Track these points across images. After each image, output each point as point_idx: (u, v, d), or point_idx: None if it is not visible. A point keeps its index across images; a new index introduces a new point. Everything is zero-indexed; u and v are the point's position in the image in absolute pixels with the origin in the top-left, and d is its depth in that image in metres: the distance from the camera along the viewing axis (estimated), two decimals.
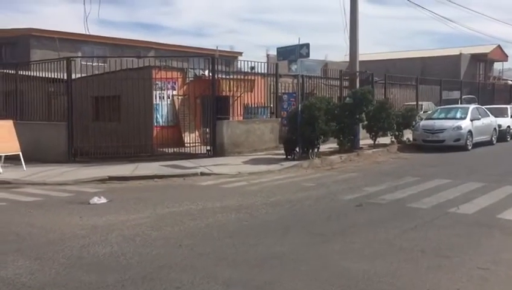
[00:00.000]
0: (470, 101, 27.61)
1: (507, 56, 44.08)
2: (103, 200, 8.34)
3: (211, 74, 15.14)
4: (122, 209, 7.71)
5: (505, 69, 49.01)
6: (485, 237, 5.86)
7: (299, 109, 13.34)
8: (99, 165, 12.81)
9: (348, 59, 17.07)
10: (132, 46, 33.38)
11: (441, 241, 5.65)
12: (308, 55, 13.02)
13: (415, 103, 23.66)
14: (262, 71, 16.95)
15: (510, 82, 42.46)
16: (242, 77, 16.54)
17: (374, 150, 15.72)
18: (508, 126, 19.65)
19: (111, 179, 10.80)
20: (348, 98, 15.45)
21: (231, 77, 16.47)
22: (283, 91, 18.03)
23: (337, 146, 15.28)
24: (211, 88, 14.55)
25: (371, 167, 12.94)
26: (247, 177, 11.20)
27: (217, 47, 22.91)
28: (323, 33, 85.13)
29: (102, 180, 10.70)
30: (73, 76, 15.10)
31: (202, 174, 11.41)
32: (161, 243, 5.76)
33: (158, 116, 15.96)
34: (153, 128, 15.72)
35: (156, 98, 15.73)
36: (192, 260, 5.09)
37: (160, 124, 15.94)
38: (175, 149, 14.84)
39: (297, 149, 13.67)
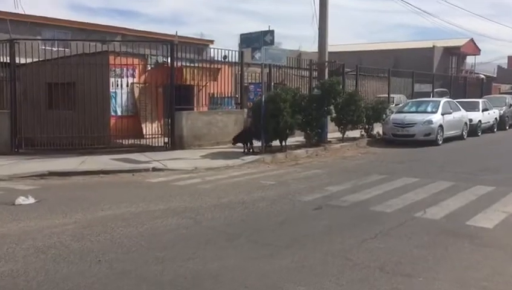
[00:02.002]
0: (442, 95, 27.28)
1: (479, 50, 44.11)
2: (30, 200, 7.37)
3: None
4: (49, 212, 6.77)
5: (477, 63, 49.20)
6: (452, 249, 5.15)
7: (263, 100, 12.51)
8: (44, 158, 11.75)
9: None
10: (98, 31, 31.94)
11: (403, 255, 4.92)
12: (272, 42, 12.18)
13: (386, 95, 23.09)
14: (232, 60, 16.04)
15: (482, 76, 42.51)
16: (207, 65, 15.61)
17: (342, 144, 15.03)
18: (479, 121, 19.24)
19: (51, 174, 9.79)
20: (316, 89, 14.70)
21: (195, 65, 15.51)
22: (251, 81, 17.22)
23: (304, 139, 14.54)
24: (170, 76, 13.56)
25: (338, 162, 12.22)
26: (203, 173, 10.34)
27: (176, 32, 21.75)
28: (297, 24, 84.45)
29: (41, 176, 9.69)
30: (29, 60, 14.07)
31: (154, 169, 10.50)
32: (78, 257, 4.86)
33: (115, 105, 14.95)
34: (110, 118, 14.73)
35: (113, 86, 14.72)
36: (106, 282, 4.22)
37: (118, 113, 14.92)
38: (133, 141, 13.87)
39: (259, 143, 12.88)
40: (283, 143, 13.06)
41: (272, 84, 16.63)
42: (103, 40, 17.73)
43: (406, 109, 17.32)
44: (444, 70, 38.52)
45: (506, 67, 62.22)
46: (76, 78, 13.72)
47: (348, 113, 15.15)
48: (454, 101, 18.35)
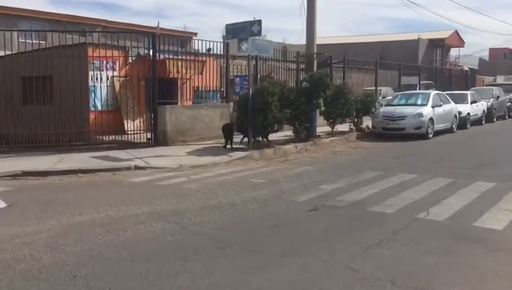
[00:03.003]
0: (427, 87, 27.03)
1: (463, 42, 44.10)
2: (1, 204, 6.76)
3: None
4: (21, 218, 6.17)
5: (461, 56, 49.23)
6: (464, 256, 4.72)
7: (251, 93, 11.97)
8: (18, 156, 11.06)
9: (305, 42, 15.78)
10: (77, 23, 30.99)
11: (413, 264, 4.47)
12: (259, 33, 11.63)
13: (373, 88, 22.70)
14: (217, 52, 15.45)
15: (466, 68, 42.50)
16: (191, 57, 15.00)
17: (331, 138, 14.59)
18: (468, 113, 18.98)
19: (25, 174, 9.13)
20: (304, 82, 14.21)
21: (179, 57, 14.87)
22: (236, 74, 16.66)
23: (293, 134, 14.06)
24: (152, 69, 12.94)
25: (329, 158, 11.77)
26: (188, 171, 9.79)
27: (158, 23, 21.03)
28: (282, 17, 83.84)
29: (14, 176, 9.02)
30: (5, 53, 13.33)
31: (136, 167, 9.91)
32: (50, 273, 4.30)
33: (95, 99, 14.29)
34: (89, 113, 14.07)
35: (92, 79, 14.05)
36: None
37: (98, 108, 14.27)
38: (114, 137, 13.22)
39: (245, 139, 12.39)
40: (267, 138, 12.56)
41: (259, 77, 16.09)
42: (82, 31, 16.95)
43: (395, 101, 16.96)
44: (429, 62, 38.40)
45: (487, 59, 62.70)
46: (53, 72, 13.05)
47: (337, 106, 14.70)
48: (443, 93, 18.04)
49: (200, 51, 15.61)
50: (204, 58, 15.17)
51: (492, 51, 73.98)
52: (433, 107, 15.84)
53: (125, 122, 14.38)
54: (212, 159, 10.90)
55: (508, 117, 24.53)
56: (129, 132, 13.82)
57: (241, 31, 11.77)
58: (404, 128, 15.18)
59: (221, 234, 5.42)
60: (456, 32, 42.06)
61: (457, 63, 44.71)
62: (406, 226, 5.66)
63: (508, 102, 24.72)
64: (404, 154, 12.22)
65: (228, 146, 12.13)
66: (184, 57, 14.86)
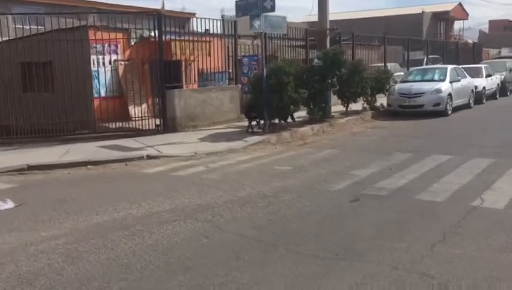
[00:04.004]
0: (434, 62, 26.32)
1: (467, 14, 43.13)
2: (9, 204, 6.15)
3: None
4: (33, 221, 5.55)
5: (464, 28, 48.33)
6: None
7: (265, 73, 11.28)
8: (21, 148, 10.43)
9: (310, 19, 15.04)
10: (71, 6, 29.97)
11: (493, 265, 3.88)
12: (273, 9, 10.87)
13: (380, 64, 21.90)
14: (219, 32, 14.69)
15: (470, 41, 41.62)
16: (196, 38, 14.23)
17: (347, 118, 13.94)
18: (484, 87, 18.32)
19: (31, 168, 8.49)
20: (316, 60, 13.48)
21: (184, 38, 14.11)
22: (244, 54, 15.90)
23: (307, 115, 13.39)
24: (158, 51, 12.21)
25: (349, 140, 11.15)
26: (204, 159, 9.17)
27: (163, 2, 20.15)
28: None
29: (20, 171, 8.38)
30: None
31: (149, 157, 9.27)
32: (76, 288, 3.71)
33: (98, 85, 13.56)
34: (93, 100, 13.37)
35: (94, 64, 13.34)
36: None
37: (102, 94, 13.54)
38: (121, 124, 12.54)
39: (261, 121, 11.74)
40: (288, 120, 11.92)
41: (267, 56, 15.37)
42: (82, 12, 16.12)
43: (410, 78, 16.26)
44: (433, 36, 37.53)
45: (487, 32, 61.77)
46: (53, 57, 12.29)
47: (352, 85, 14.02)
48: (460, 67, 17.32)
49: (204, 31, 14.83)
50: (209, 39, 14.42)
51: (492, 24, 73.05)
52: (451, 82, 15.16)
53: (130, 108, 13.71)
54: (227, 145, 10.27)
55: None
56: (135, 118, 13.14)
57: (253, 7, 11.00)
58: (422, 106, 14.52)
59: (262, 234, 4.82)
60: (460, 4, 41.08)
61: (462, 36, 43.82)
62: (465, 216, 5.07)
63: None
64: (427, 133, 11.60)
65: (250, 130, 11.51)
66: (189, 38, 14.09)
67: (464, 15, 42.80)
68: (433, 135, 11.23)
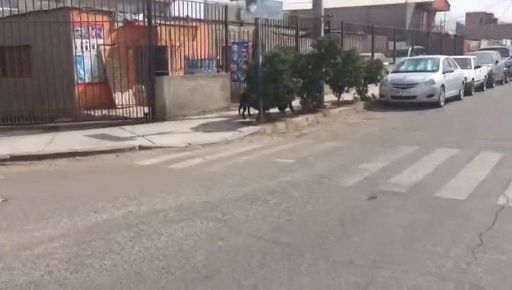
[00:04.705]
0: (418, 53, 26.26)
1: (449, 5, 43.22)
2: None
3: (145, 19, 12.26)
4: (23, 219, 5.02)
5: (440, 20, 48.40)
6: None
7: (260, 61, 10.81)
8: (0, 136, 9.75)
9: (293, 7, 14.53)
10: None
11: None
12: None
13: (366, 54, 21.57)
14: (207, 17, 14.10)
15: (451, 33, 41.76)
16: (183, 23, 13.61)
17: (340, 108, 13.61)
18: (473, 78, 18.19)
19: (14, 158, 7.89)
20: (311, 48, 13.08)
21: (170, 23, 13.48)
22: (233, 41, 15.37)
23: (299, 105, 12.99)
24: (147, 36, 11.60)
25: (347, 131, 10.81)
26: (201, 151, 8.69)
27: None
28: None
29: (2, 161, 7.77)
30: None
31: (141, 148, 8.74)
32: None
33: (81, 70, 12.85)
34: (75, 86, 12.67)
35: (77, 48, 12.64)
36: None
37: (85, 80, 12.83)
38: (106, 112, 11.92)
39: (254, 111, 11.32)
40: (286, 110, 11.53)
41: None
42: None
43: (402, 68, 16.01)
44: (415, 26, 37.44)
45: (464, 24, 62.34)
46: (33, 40, 11.53)
47: (345, 74, 13.67)
48: (451, 58, 17.13)
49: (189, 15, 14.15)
50: (196, 24, 13.83)
51: (469, 16, 73.84)
52: (443, 73, 14.96)
53: (114, 95, 13.07)
54: (221, 135, 9.81)
55: (505, 82, 23.93)
56: (119, 106, 12.52)
57: None
58: (415, 97, 14.28)
59: (282, 236, 4.41)
60: None
61: (444, 27, 43.97)
62: (496, 217, 4.75)
63: (505, 67, 24.10)
64: (426, 125, 11.35)
65: (242, 118, 11.14)
66: (176, 23, 13.47)
67: (446, 6, 42.92)
68: (432, 127, 10.99)
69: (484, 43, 43.14)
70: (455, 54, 24.15)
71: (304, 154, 8.08)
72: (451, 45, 33.81)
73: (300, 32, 16.94)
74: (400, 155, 7.77)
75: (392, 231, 4.46)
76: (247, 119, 11.29)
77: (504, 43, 44.37)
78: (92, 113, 11.88)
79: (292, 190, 5.88)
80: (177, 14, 13.41)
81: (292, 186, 6.06)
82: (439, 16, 46.30)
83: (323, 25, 13.60)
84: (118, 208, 5.31)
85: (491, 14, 74.36)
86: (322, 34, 13.49)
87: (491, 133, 9.79)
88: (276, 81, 10.82)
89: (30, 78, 12.19)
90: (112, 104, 12.64)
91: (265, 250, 4.09)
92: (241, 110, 11.41)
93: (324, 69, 12.64)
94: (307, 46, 16.62)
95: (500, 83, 23.11)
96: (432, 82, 14.34)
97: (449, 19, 52.81)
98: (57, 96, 11.41)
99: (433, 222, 4.70)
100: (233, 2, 13.71)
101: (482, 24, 67.90)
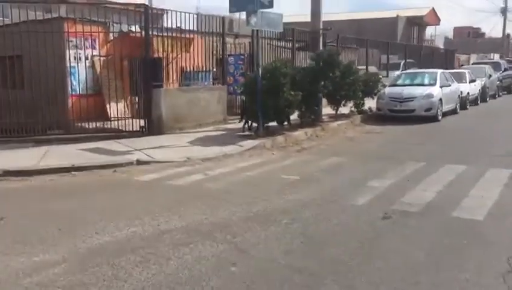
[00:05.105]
0: (410, 66, 26.37)
1: (439, 20, 43.61)
2: None
3: (138, 30, 12.05)
4: (21, 241, 4.70)
5: (433, 34, 48.82)
6: None
7: (260, 74, 10.61)
8: None
9: (287, 20, 14.28)
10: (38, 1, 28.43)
11: None
12: (271, 5, 10.20)
13: (361, 67, 21.47)
14: (202, 28, 13.86)
15: (441, 47, 42.06)
16: (179, 34, 13.37)
17: (338, 122, 13.42)
18: (468, 93, 18.18)
19: (7, 173, 7.54)
20: (310, 61, 12.92)
21: (166, 34, 13.23)
22: (230, 53, 15.17)
23: (297, 118, 12.77)
24: (144, 47, 11.36)
25: (348, 146, 10.62)
26: (200, 166, 8.42)
27: None
28: None
29: None
30: None
31: (139, 162, 8.45)
32: None
33: (74, 82, 12.56)
34: (68, 98, 12.37)
35: (70, 59, 12.36)
36: None
37: (78, 92, 12.54)
38: (101, 124, 11.59)
39: (253, 124, 11.10)
40: (284, 123, 11.32)
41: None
42: (53, 2, 15.06)
43: (400, 81, 15.92)
44: (407, 40, 37.60)
45: (452, 38, 63.21)
46: (24, 50, 11.18)
47: (344, 87, 13.52)
48: (448, 72, 17.11)
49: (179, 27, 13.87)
50: (191, 35, 13.62)
51: (457, 30, 74.87)
52: (441, 87, 14.89)
53: (107, 106, 12.78)
54: (221, 149, 9.55)
55: (498, 96, 24.03)
56: (117, 118, 12.21)
57: (249, 3, 10.30)
58: (414, 110, 14.17)
59: (298, 261, 4.15)
60: (433, 9, 41.46)
61: (434, 41, 44.33)
62: None
63: (498, 81, 24.22)
64: (427, 140, 11.19)
65: (245, 131, 10.95)
66: (171, 34, 13.22)
67: (436, 20, 43.26)
68: (434, 142, 10.83)
69: (473, 57, 43.52)
70: (446, 68, 24.27)
71: (309, 171, 7.85)
72: (442, 58, 34.05)
73: (297, 45, 16.79)
74: (407, 172, 7.58)
75: (414, 256, 4.23)
76: (246, 133, 11.07)
77: (492, 57, 44.96)
78: (86, 125, 11.58)
79: (302, 209, 5.63)
80: (170, 25, 13.17)
81: (302, 205, 5.82)
82: (429, 30, 46.76)
83: (321, 37, 13.41)
84: (120, 228, 5.01)
85: (479, 29, 75.54)
86: (321, 46, 13.34)
87: (496, 149, 9.65)
88: (277, 94, 10.62)
89: (21, 90, 11.87)
90: (105, 116, 12.35)
91: (283, 277, 3.83)
92: (245, 124, 11.17)
93: (323, 82, 12.47)
94: (301, 59, 16.51)
95: (493, 97, 23.19)
96: (430, 96, 14.25)
97: (439, 33, 53.47)
98: (50, 108, 11.10)
99: (456, 245, 4.48)
100: (227, 14, 13.48)
101: (470, 38, 68.87)
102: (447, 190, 6.43)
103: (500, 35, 50.23)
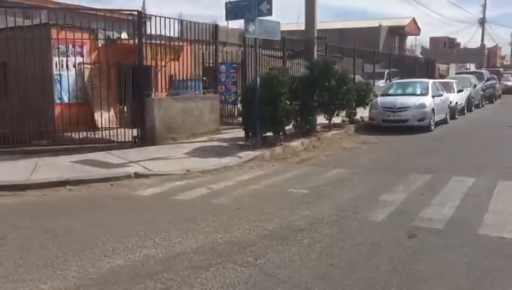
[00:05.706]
0: (394, 76, 26.59)
1: (420, 30, 44.17)
2: None
3: (128, 37, 11.72)
4: (22, 265, 4.30)
5: (411, 44, 49.54)
6: None
7: (258, 83, 10.35)
8: None
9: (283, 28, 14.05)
10: (18, 4, 27.71)
11: None
12: (270, 13, 9.96)
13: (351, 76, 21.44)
14: (192, 36, 13.51)
15: (421, 57, 42.56)
16: (169, 42, 13.00)
17: (332, 132, 13.24)
18: (456, 102, 18.26)
19: None
20: (304, 70, 12.72)
21: (155, 41, 12.85)
22: (210, 61, 14.81)
23: (292, 128, 12.53)
24: (138, 55, 10.98)
25: (347, 157, 10.41)
26: (201, 179, 8.09)
27: (143, 1, 18.66)
28: None
29: None
30: None
31: (137, 175, 8.07)
32: None
33: (61, 90, 12.10)
34: (55, 107, 11.90)
35: (57, 67, 11.91)
36: None
37: (65, 100, 12.08)
38: (91, 134, 11.10)
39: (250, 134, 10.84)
40: (281, 134, 11.05)
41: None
42: (36, 7, 14.57)
43: (391, 91, 15.85)
44: (388, 49, 37.88)
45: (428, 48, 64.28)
46: (9, 57, 10.61)
47: (338, 97, 13.34)
48: (438, 81, 17.14)
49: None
50: (181, 43, 13.28)
51: (433, 40, 76.27)
52: (433, 96, 14.88)
53: (95, 115, 12.34)
54: (220, 161, 9.24)
55: (481, 106, 24.26)
56: (109, 128, 11.76)
57: (246, 10, 10.05)
58: (407, 120, 14.09)
59: (332, 286, 3.87)
60: (414, 20, 41.98)
61: (415, 51, 44.85)
62: None
63: (481, 90, 24.49)
64: (425, 150, 11.05)
65: (248, 141, 10.72)
66: (162, 42, 12.85)
67: (417, 30, 43.83)
68: (433, 152, 10.67)
69: (452, 67, 44.20)
70: (428, 77, 24.46)
71: (315, 183, 7.59)
72: (424, 68, 34.40)
73: (288, 53, 16.61)
74: (417, 185, 7.38)
75: (454, 281, 3.98)
76: (241, 143, 10.78)
77: (468, 67, 45.75)
78: (74, 135, 11.12)
79: (321, 227, 5.36)
80: (155, 32, 12.79)
81: (318, 221, 5.54)
82: (410, 40, 47.33)
83: (316, 46, 13.23)
84: (131, 250, 4.65)
85: (454, 39, 77.10)
86: (315, 55, 13.15)
87: (497, 160, 9.57)
88: (275, 104, 10.36)
89: (5, 99, 11.33)
90: (93, 126, 11.90)
91: None
92: (247, 134, 10.91)
93: (319, 92, 12.28)
94: (294, 68, 16.32)
95: (477, 106, 23.39)
96: (423, 106, 14.21)
97: (418, 43, 54.25)
98: (35, 117, 10.61)
99: (494, 267, 4.25)
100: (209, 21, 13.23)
101: (446, 48, 70.19)
102: (465, 204, 6.24)
103: (476, 45, 51.20)
